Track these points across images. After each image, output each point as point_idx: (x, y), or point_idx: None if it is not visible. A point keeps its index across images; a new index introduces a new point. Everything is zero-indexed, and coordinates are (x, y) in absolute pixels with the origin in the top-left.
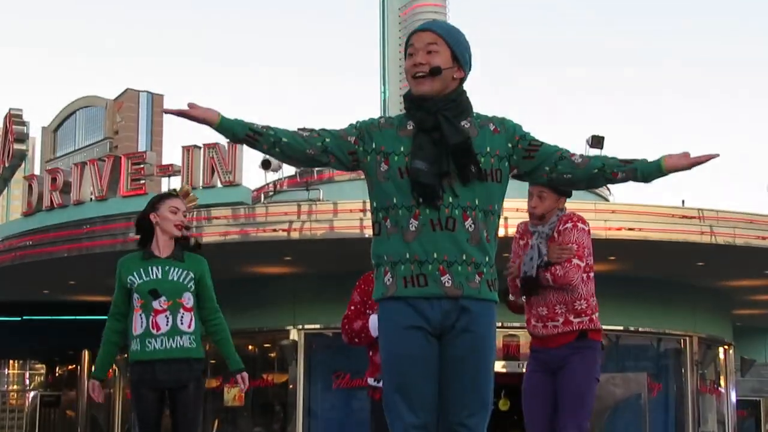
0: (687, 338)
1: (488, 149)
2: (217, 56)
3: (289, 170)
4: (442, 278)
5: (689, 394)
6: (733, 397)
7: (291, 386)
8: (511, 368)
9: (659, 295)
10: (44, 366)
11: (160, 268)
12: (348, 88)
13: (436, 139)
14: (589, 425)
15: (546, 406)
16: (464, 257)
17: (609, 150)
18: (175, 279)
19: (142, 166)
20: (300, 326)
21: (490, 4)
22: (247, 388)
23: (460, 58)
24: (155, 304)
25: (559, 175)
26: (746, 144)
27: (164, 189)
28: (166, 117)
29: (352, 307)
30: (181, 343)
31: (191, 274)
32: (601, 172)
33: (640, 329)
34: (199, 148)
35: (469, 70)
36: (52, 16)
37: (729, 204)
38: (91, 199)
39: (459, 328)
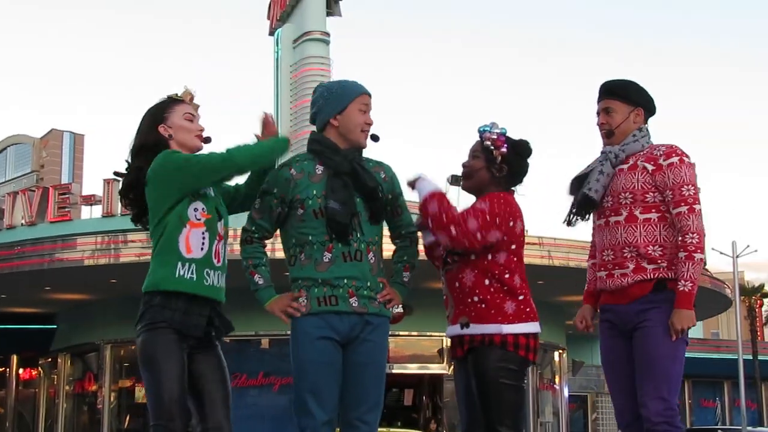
0: None
1: (389, 196)
2: (134, 99)
3: None
4: (350, 299)
5: (530, 390)
6: (566, 393)
7: None
8: None
9: None
10: None
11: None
12: (244, 126)
13: (346, 182)
14: None
15: None
16: (369, 284)
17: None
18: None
19: (67, 196)
20: None
21: (370, 76)
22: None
23: None
24: (219, 226)
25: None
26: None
27: (86, 216)
28: (86, 154)
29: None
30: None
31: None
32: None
33: None
34: (119, 180)
35: None
36: None
37: (564, 233)
38: (22, 224)
39: (362, 338)
